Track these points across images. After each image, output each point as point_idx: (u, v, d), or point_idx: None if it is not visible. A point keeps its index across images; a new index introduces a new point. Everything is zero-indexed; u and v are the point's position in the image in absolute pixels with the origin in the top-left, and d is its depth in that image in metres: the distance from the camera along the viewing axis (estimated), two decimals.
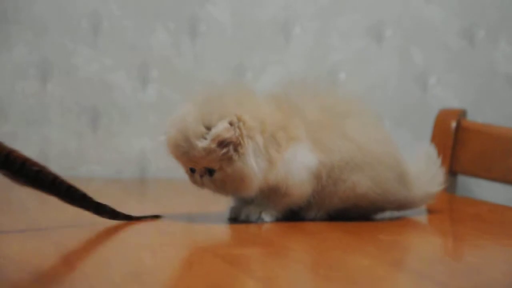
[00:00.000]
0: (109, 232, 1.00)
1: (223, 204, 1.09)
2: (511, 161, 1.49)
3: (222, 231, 1.02)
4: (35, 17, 1.56)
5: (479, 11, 1.70)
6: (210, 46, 1.62)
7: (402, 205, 1.13)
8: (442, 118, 1.59)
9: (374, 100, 1.67)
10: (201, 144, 1.00)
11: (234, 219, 1.06)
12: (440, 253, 0.97)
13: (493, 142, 1.51)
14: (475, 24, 1.70)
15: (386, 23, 1.68)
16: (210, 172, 1.02)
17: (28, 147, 1.56)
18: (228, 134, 0.99)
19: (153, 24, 1.60)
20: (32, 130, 1.56)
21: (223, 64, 1.62)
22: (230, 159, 1.00)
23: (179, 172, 1.06)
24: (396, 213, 1.15)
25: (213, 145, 0.99)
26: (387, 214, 1.14)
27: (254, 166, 1.01)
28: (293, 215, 1.07)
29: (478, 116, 1.65)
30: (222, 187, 1.03)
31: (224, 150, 1.00)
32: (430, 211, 1.25)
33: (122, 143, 1.59)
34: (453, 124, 1.57)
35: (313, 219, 1.07)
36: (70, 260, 0.83)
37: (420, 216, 1.20)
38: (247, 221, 1.05)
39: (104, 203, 1.01)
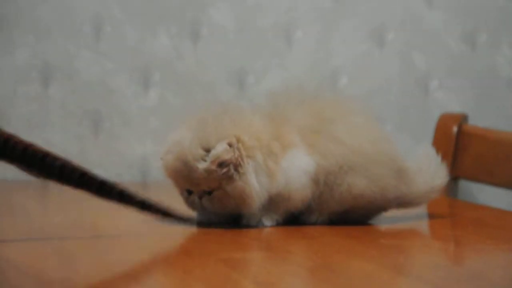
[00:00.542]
0: (110, 236, 1.00)
1: None
2: None
3: (223, 235, 1.02)
4: (37, 21, 1.56)
5: (481, 15, 1.70)
6: (212, 50, 1.62)
7: (404, 203, 1.13)
8: (444, 122, 1.59)
9: (376, 104, 1.67)
10: (201, 166, 1.01)
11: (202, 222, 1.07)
12: (442, 258, 0.97)
13: (495, 146, 1.51)
14: (477, 28, 1.70)
15: (388, 27, 1.68)
16: (210, 192, 1.03)
17: None
18: (228, 155, 1.00)
19: (155, 28, 1.60)
20: (34, 133, 1.56)
21: (225, 68, 1.62)
22: (230, 178, 1.01)
23: None
24: (397, 218, 1.15)
25: (213, 167, 1.00)
26: (389, 218, 1.14)
27: (256, 185, 1.02)
28: (294, 219, 1.07)
29: (479, 120, 1.65)
30: (221, 206, 1.03)
31: (225, 170, 1.01)
32: (431, 215, 1.25)
33: (123, 147, 1.60)
34: (455, 129, 1.57)
35: (314, 224, 1.07)
36: (71, 264, 0.83)
37: (421, 220, 1.20)
38: (247, 225, 1.05)
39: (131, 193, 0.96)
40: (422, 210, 1.29)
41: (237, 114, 1.05)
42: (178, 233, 1.02)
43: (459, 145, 1.56)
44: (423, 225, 1.18)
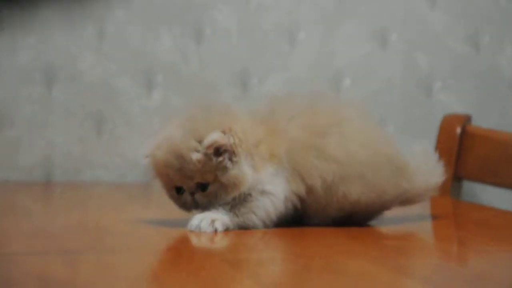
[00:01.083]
0: (114, 237, 1.00)
1: None
2: None
3: (227, 236, 1.02)
4: (40, 22, 1.56)
5: (484, 17, 1.70)
6: (215, 51, 1.62)
7: (407, 199, 1.12)
8: (447, 123, 1.59)
9: (379, 105, 1.67)
10: (196, 156, 1.00)
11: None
12: (445, 259, 0.97)
13: (498, 147, 1.51)
14: (480, 29, 1.70)
15: (391, 29, 1.68)
16: (203, 187, 1.02)
17: (32, 152, 1.56)
18: (224, 141, 1.00)
19: (158, 29, 1.60)
20: (37, 134, 1.56)
21: (228, 69, 1.62)
22: (224, 169, 1.01)
23: None
24: (400, 219, 1.15)
25: (210, 151, 1.00)
26: (391, 220, 1.14)
27: (248, 172, 1.01)
28: (297, 221, 1.07)
29: (482, 121, 1.65)
30: (214, 199, 1.02)
31: (220, 159, 1.00)
32: (435, 216, 1.25)
33: (126, 148, 1.60)
34: (458, 130, 1.57)
35: (317, 225, 1.07)
36: (74, 265, 0.83)
37: (424, 221, 1.20)
38: (197, 229, 1.01)
39: None
40: (425, 211, 1.29)
41: (226, 110, 1.05)
42: (182, 234, 1.02)
43: (462, 146, 1.56)
44: (426, 226, 1.18)
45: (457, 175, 1.56)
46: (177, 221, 1.09)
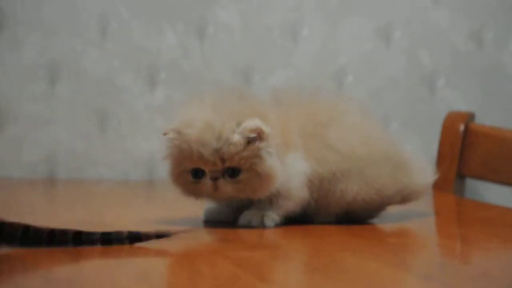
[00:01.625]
0: None
1: None
2: None
3: (231, 233, 1.02)
4: (43, 19, 1.56)
5: (488, 13, 1.70)
6: (218, 48, 1.62)
7: (407, 195, 1.12)
8: (450, 121, 1.59)
9: (382, 102, 1.67)
10: (237, 138, 0.98)
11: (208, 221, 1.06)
12: (449, 257, 0.97)
13: (502, 145, 1.51)
14: (484, 26, 1.70)
15: (394, 25, 1.67)
16: (234, 173, 0.99)
17: (36, 149, 1.56)
18: (266, 128, 0.99)
19: (162, 26, 1.60)
20: (41, 132, 1.56)
21: (231, 66, 1.62)
22: (261, 158, 0.99)
23: None
24: (403, 216, 1.15)
25: (252, 135, 0.98)
26: (395, 217, 1.14)
27: (279, 166, 1.00)
28: (301, 218, 1.07)
29: (486, 119, 1.65)
30: (241, 190, 1.00)
31: (262, 144, 0.99)
32: (438, 214, 1.25)
33: (130, 145, 1.60)
34: (461, 127, 1.57)
35: (320, 222, 1.07)
36: (79, 263, 0.83)
37: (428, 219, 1.20)
38: (248, 225, 1.04)
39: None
40: (428, 208, 1.29)
41: (254, 101, 1.04)
42: (185, 232, 1.02)
43: (466, 143, 1.56)
44: (430, 224, 1.18)
45: (460, 172, 1.55)
46: (181, 219, 1.09)
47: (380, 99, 1.67)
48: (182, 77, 1.61)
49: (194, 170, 1.00)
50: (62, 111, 1.57)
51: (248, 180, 1.00)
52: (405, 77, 1.68)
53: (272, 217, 1.04)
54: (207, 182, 1.00)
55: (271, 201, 1.03)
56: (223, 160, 0.99)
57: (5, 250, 0.86)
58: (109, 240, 0.90)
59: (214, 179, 1.00)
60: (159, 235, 0.91)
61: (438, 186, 1.31)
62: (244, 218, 1.04)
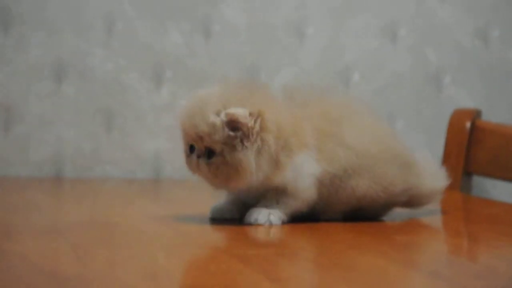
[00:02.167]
0: (124, 232, 1.00)
1: None
2: None
3: (237, 231, 1.02)
4: (49, 18, 1.57)
5: (493, 11, 1.70)
6: (223, 46, 1.62)
7: (415, 197, 1.12)
8: (457, 118, 1.59)
9: (388, 100, 1.66)
10: (213, 118, 1.00)
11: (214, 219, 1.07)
12: (455, 254, 0.96)
13: (508, 142, 1.51)
14: (490, 23, 1.69)
15: (400, 23, 1.67)
16: (209, 154, 1.01)
17: (42, 148, 1.56)
18: (244, 120, 0.99)
19: (167, 25, 1.60)
20: (47, 130, 1.57)
21: (236, 64, 1.62)
22: (233, 147, 1.00)
23: None
24: (410, 214, 1.15)
25: (225, 120, 0.99)
26: (402, 215, 1.14)
27: (253, 164, 1.00)
28: (308, 216, 1.07)
29: (492, 115, 1.65)
30: (214, 173, 1.01)
31: (232, 134, 1.00)
32: (445, 211, 1.25)
33: (136, 144, 1.60)
34: (468, 124, 1.56)
35: (327, 220, 1.07)
36: (85, 261, 0.83)
37: (435, 216, 1.20)
38: (255, 223, 1.04)
39: None
40: (435, 205, 1.29)
41: (271, 98, 1.05)
42: (191, 230, 1.03)
43: (472, 140, 1.55)
44: (437, 221, 1.18)
45: (467, 170, 1.55)
46: (187, 216, 1.09)
47: (386, 96, 1.66)
48: (187, 76, 1.61)
49: (191, 145, 1.03)
50: (68, 110, 1.57)
51: (219, 165, 1.01)
52: (411, 74, 1.68)
53: (279, 215, 1.04)
54: (193, 157, 1.03)
55: (278, 199, 1.04)
56: (201, 137, 1.01)
57: (11, 247, 0.87)
58: None
59: (198, 156, 1.02)
60: None
61: None
62: (250, 216, 1.04)
